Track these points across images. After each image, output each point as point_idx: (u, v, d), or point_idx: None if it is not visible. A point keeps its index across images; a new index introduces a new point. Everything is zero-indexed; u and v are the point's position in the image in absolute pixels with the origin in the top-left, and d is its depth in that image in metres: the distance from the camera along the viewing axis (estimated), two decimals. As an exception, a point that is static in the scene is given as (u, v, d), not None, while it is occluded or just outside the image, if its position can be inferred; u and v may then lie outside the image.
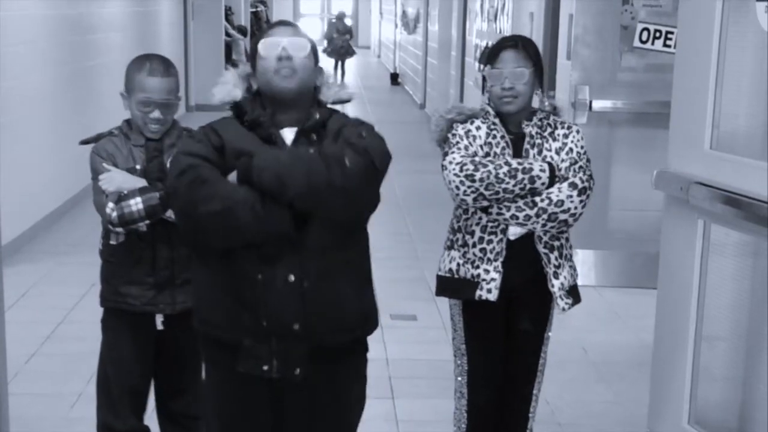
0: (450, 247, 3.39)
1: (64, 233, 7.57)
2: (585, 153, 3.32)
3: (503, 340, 3.42)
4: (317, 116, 2.68)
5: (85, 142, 3.31)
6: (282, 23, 2.80)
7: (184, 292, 3.22)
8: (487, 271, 3.28)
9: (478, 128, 3.29)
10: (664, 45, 6.13)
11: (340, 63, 20.85)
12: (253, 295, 2.58)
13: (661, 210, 3.67)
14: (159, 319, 3.29)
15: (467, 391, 3.45)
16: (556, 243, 3.31)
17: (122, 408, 3.35)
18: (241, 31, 17.22)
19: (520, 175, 3.19)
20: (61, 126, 8.06)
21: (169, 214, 3.11)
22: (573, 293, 3.38)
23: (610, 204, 6.43)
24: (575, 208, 3.22)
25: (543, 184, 3.21)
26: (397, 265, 6.67)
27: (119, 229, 3.16)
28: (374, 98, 17.80)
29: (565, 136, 3.31)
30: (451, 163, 3.23)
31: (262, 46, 2.68)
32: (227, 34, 16.23)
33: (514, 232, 3.26)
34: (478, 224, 3.29)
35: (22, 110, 7.12)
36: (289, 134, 2.67)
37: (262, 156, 2.57)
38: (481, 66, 3.94)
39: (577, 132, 3.34)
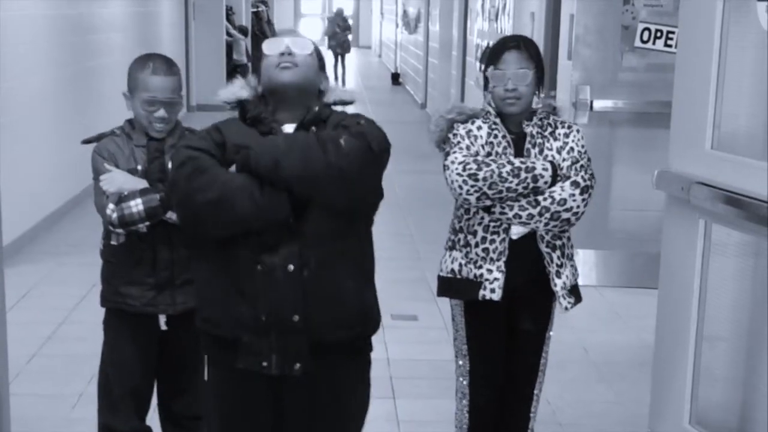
0: (451, 248, 3.38)
1: (65, 234, 7.57)
2: (585, 152, 3.32)
3: (505, 340, 3.42)
4: (316, 109, 2.70)
5: (87, 142, 3.32)
6: (287, 29, 2.83)
7: (184, 292, 3.23)
8: (490, 271, 3.28)
9: (479, 128, 3.29)
10: (665, 45, 6.13)
11: (340, 59, 20.88)
12: (253, 287, 2.59)
13: (662, 210, 3.67)
14: (162, 320, 3.29)
15: (468, 391, 3.45)
16: (558, 242, 3.32)
17: (123, 408, 3.35)
18: (242, 31, 17.22)
19: (523, 174, 3.19)
20: (62, 126, 8.06)
21: (170, 215, 3.11)
22: (574, 292, 3.39)
23: (611, 204, 6.43)
24: (578, 206, 3.22)
25: (546, 183, 3.21)
26: (399, 266, 6.67)
27: (119, 230, 3.17)
28: (375, 98, 17.80)
29: (566, 135, 3.32)
30: (453, 162, 3.23)
31: (266, 45, 2.70)
32: (228, 34, 16.23)
33: (517, 231, 3.27)
34: (480, 224, 3.29)
35: (22, 110, 7.12)
36: (289, 130, 2.68)
37: (259, 143, 2.59)
38: (482, 66, 3.94)
39: (578, 131, 3.35)
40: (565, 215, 3.22)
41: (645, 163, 5.76)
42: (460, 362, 3.46)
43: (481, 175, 3.18)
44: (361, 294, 2.71)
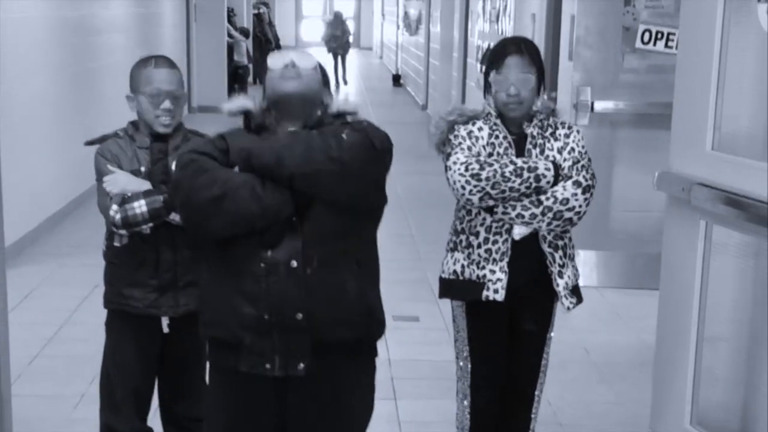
0: (453, 249, 3.39)
1: (68, 235, 7.58)
2: (586, 152, 3.33)
3: (506, 341, 3.43)
4: (319, 113, 2.70)
5: (90, 143, 3.33)
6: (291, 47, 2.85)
7: (186, 294, 3.23)
8: (493, 272, 3.29)
9: (480, 129, 3.30)
10: (666, 46, 6.14)
11: (340, 59, 20.90)
12: (256, 285, 2.60)
13: (662, 211, 3.68)
14: (165, 322, 3.30)
15: (469, 392, 3.46)
16: (560, 242, 3.32)
17: (125, 409, 3.36)
18: (244, 32, 17.24)
19: (525, 174, 3.19)
20: (64, 127, 8.07)
21: (173, 216, 3.12)
22: (576, 293, 3.39)
23: (612, 205, 6.43)
24: (580, 206, 3.23)
25: (548, 182, 3.22)
26: (400, 267, 6.67)
27: (122, 232, 3.17)
28: (376, 99, 17.80)
29: (567, 135, 3.33)
30: (455, 163, 3.23)
31: (271, 59, 2.72)
32: (230, 36, 16.25)
33: (519, 232, 3.27)
34: (482, 225, 3.30)
35: (24, 112, 7.13)
36: None
37: (261, 141, 2.61)
38: (483, 67, 3.94)
39: (578, 132, 3.36)
40: (567, 215, 3.23)
41: (646, 164, 5.76)
42: (461, 363, 3.47)
43: (483, 175, 3.19)
44: (363, 294, 2.71)
